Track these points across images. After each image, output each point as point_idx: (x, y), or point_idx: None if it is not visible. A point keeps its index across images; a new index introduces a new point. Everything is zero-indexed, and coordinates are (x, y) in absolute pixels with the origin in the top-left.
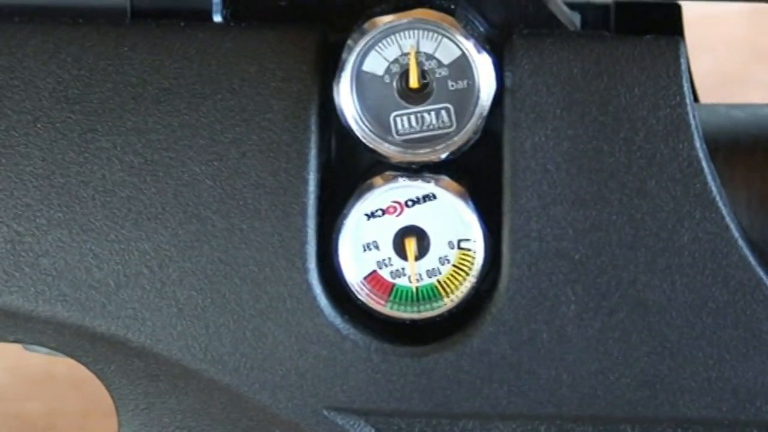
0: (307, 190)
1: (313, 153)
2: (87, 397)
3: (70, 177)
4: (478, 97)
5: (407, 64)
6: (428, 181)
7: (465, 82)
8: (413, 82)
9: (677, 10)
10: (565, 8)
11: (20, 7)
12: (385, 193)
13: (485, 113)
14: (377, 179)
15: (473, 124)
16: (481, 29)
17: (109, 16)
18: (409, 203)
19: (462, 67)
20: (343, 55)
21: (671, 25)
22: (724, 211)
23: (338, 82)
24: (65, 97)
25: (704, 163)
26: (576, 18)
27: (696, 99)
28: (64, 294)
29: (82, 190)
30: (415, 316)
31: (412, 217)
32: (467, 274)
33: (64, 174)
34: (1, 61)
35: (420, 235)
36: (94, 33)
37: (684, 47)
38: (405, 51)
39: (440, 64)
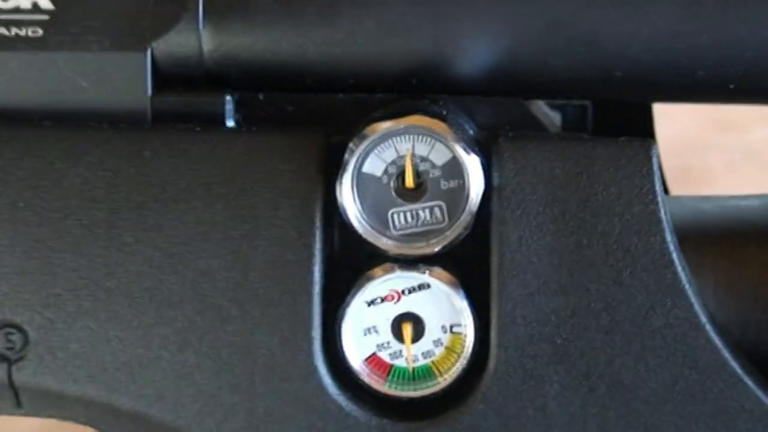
0: (313, 280)
1: (318, 247)
2: None
3: (96, 269)
4: (468, 196)
5: (403, 166)
6: (423, 272)
7: (456, 181)
8: (409, 182)
9: (648, 110)
10: (546, 109)
11: (49, 112)
12: (383, 283)
13: (475, 210)
14: (377, 270)
15: (464, 220)
16: (471, 132)
17: (131, 121)
18: (406, 291)
19: (453, 168)
20: (345, 157)
21: (643, 124)
22: (693, 298)
23: (341, 183)
24: (92, 196)
25: (674, 255)
26: (556, 117)
27: (666, 191)
28: (93, 375)
29: (108, 281)
30: (412, 394)
31: (408, 304)
32: (459, 356)
33: (91, 266)
34: (33, 163)
35: (416, 320)
36: (117, 137)
37: (655, 148)
38: (401, 154)
39: (433, 165)
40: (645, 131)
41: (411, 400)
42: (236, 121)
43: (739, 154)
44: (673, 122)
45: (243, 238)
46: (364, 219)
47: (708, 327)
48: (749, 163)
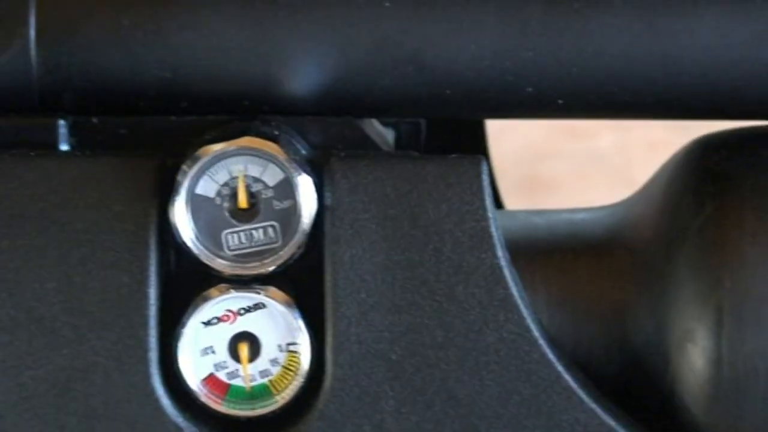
0: (148, 302)
1: (152, 269)
2: None
3: None
4: (300, 215)
5: (236, 187)
6: (258, 292)
7: (289, 201)
8: (242, 202)
9: (481, 127)
10: (379, 127)
11: None
12: (219, 303)
13: (308, 229)
14: (212, 291)
15: (297, 239)
16: (303, 152)
17: None
18: (242, 311)
19: (286, 188)
20: (178, 179)
21: (476, 140)
22: (525, 312)
23: (173, 204)
24: None
25: (506, 270)
26: (390, 134)
27: (500, 205)
28: None
29: None
30: (250, 413)
31: (244, 323)
32: (296, 374)
33: None
34: None
35: (252, 339)
36: None
37: (486, 164)
38: (234, 175)
39: (266, 185)
40: (478, 147)
41: (249, 420)
42: (71, 146)
43: (588, 161)
44: (521, 131)
45: (78, 262)
46: (198, 240)
47: (541, 341)
48: (598, 169)
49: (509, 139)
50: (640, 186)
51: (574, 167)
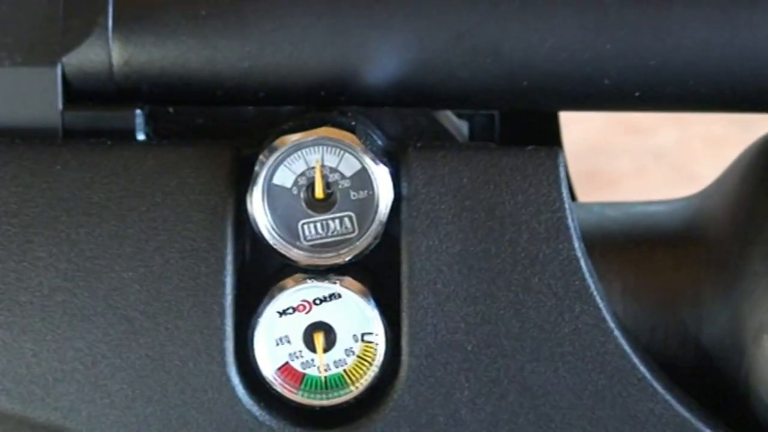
0: (224, 291)
1: (229, 258)
2: None
3: (10, 283)
4: (377, 206)
5: (313, 177)
6: (334, 282)
7: (366, 192)
8: (319, 193)
9: (555, 118)
10: (454, 119)
11: None
12: (295, 293)
13: (384, 220)
14: (288, 281)
15: (374, 230)
16: (380, 143)
17: (42, 136)
18: (317, 301)
19: (363, 178)
20: (255, 169)
21: (550, 132)
22: (601, 303)
23: (251, 194)
24: (4, 211)
25: (582, 261)
26: (464, 126)
27: (574, 198)
28: (7, 389)
29: (22, 295)
30: (324, 403)
31: (320, 313)
32: (371, 364)
33: (5, 281)
34: None
35: (327, 329)
36: (29, 152)
37: (562, 156)
38: (311, 165)
39: (343, 176)
40: (552, 139)
41: (323, 409)
42: (147, 135)
43: (647, 156)
44: (580, 126)
45: (155, 251)
46: (274, 230)
47: (616, 332)
48: (657, 165)
49: (568, 134)
50: (715, 179)
51: (633, 163)
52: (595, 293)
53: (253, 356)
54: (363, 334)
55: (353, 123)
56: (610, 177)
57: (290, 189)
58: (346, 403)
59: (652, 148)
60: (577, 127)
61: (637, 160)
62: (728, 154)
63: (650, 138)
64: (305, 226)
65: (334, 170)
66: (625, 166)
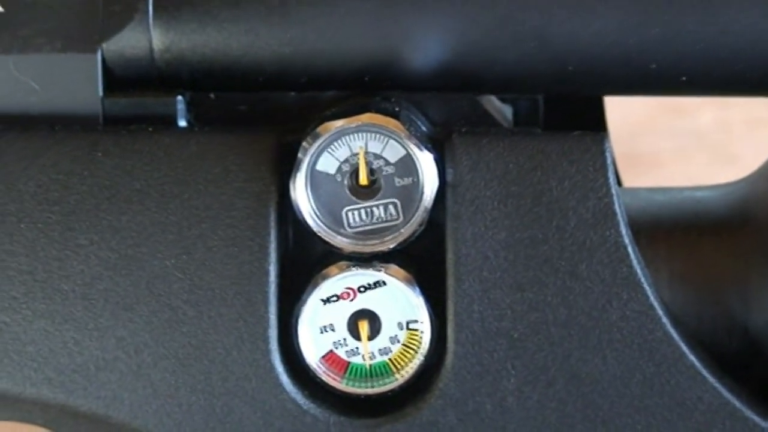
0: (268, 279)
1: (272, 245)
2: None
3: (52, 272)
4: (422, 192)
5: (357, 164)
6: (378, 270)
7: (410, 178)
8: (363, 179)
9: (600, 104)
10: (498, 104)
11: (1, 115)
12: (339, 281)
13: (429, 207)
14: (332, 269)
15: (419, 216)
16: (424, 129)
17: (83, 123)
18: (362, 289)
19: (407, 164)
20: (299, 156)
21: (595, 116)
22: (649, 290)
23: (294, 181)
24: (45, 198)
25: (629, 248)
26: (508, 111)
27: (619, 183)
28: (49, 378)
29: (63, 283)
30: (369, 391)
31: (364, 301)
32: (416, 352)
33: (47, 269)
34: None
35: (372, 317)
36: (69, 139)
37: (608, 141)
38: (355, 152)
39: (387, 162)
40: (597, 124)
41: (368, 398)
42: (188, 122)
43: (688, 138)
44: (620, 108)
45: (197, 239)
46: (318, 217)
47: (664, 319)
48: (697, 147)
49: (608, 117)
50: (762, 163)
51: (674, 144)
52: (642, 280)
53: (297, 344)
54: (408, 322)
55: (397, 109)
56: (650, 159)
57: (334, 175)
58: (391, 391)
59: (692, 129)
60: (617, 110)
61: (677, 142)
62: None
63: (691, 119)
64: (349, 213)
65: (378, 156)
66: (665, 148)
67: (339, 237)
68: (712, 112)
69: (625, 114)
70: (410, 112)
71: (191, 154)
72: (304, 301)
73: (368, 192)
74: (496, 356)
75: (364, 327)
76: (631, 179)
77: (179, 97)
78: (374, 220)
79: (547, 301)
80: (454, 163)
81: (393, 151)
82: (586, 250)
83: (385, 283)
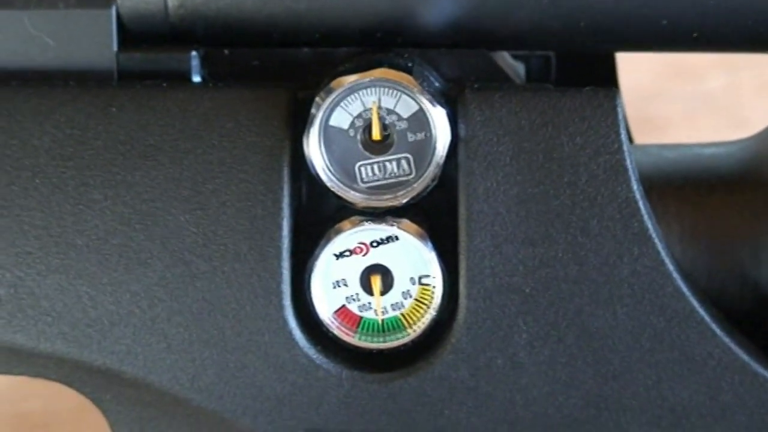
0: (281, 234)
1: (286, 201)
2: (83, 396)
3: (66, 227)
4: (434, 148)
5: (370, 119)
6: (391, 224)
7: (423, 133)
8: (376, 134)
9: (612, 60)
10: (511, 60)
11: (15, 71)
12: (352, 235)
13: (442, 162)
14: (345, 223)
15: (431, 171)
16: (437, 84)
17: (98, 78)
18: (374, 244)
19: (420, 120)
20: (312, 111)
21: (607, 73)
22: (659, 246)
23: (307, 136)
24: (60, 154)
25: (640, 204)
26: (520, 68)
27: (631, 140)
28: (63, 332)
29: (78, 238)
30: (382, 346)
31: (377, 256)
32: (428, 307)
33: (61, 224)
34: (0, 122)
35: (384, 272)
36: (84, 94)
37: (620, 98)
38: (368, 107)
39: (400, 117)
40: (609, 80)
41: (381, 352)
42: (202, 77)
43: (697, 101)
44: (629, 71)
45: (211, 194)
46: (331, 172)
47: (675, 275)
48: (707, 110)
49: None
50: None
51: (683, 108)
52: (653, 235)
53: (310, 299)
54: (420, 277)
55: (410, 64)
56: (659, 122)
57: (347, 131)
58: (404, 346)
59: (701, 93)
60: (626, 73)
61: (686, 105)
62: None
63: (700, 83)
64: (362, 168)
65: (391, 112)
66: (674, 111)
67: (352, 192)
68: (722, 76)
69: (635, 78)
70: (423, 67)
71: (205, 110)
72: (317, 256)
73: (381, 147)
74: (507, 311)
75: (376, 282)
76: (641, 142)
77: (193, 53)
78: (387, 175)
79: (558, 257)
80: (466, 118)
81: (406, 107)
82: (597, 206)
83: (397, 238)
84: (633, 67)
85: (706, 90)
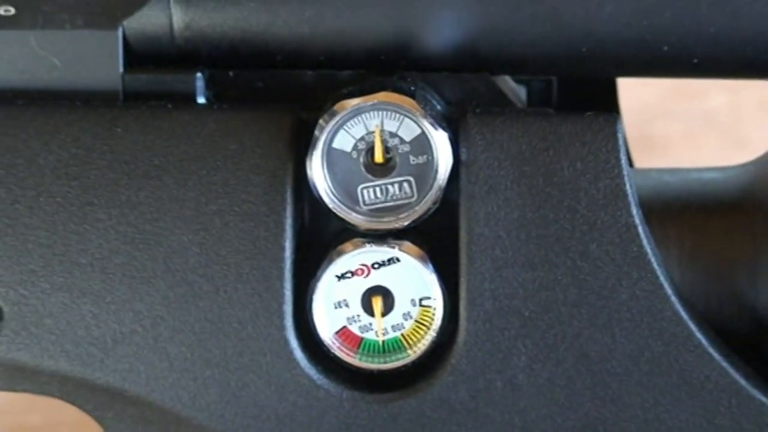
0: (284, 255)
1: (288, 222)
2: None
3: (70, 246)
4: (436, 171)
5: (373, 142)
6: (392, 247)
7: (425, 157)
8: (378, 157)
9: (613, 84)
10: (512, 84)
11: (22, 91)
12: (353, 257)
13: (443, 185)
14: (347, 245)
15: (433, 195)
16: (439, 108)
17: (103, 99)
18: (376, 265)
19: (422, 143)
20: (315, 134)
21: (608, 98)
22: (658, 270)
23: (311, 158)
24: (65, 173)
25: (640, 228)
26: (522, 91)
27: (631, 164)
28: (67, 350)
29: (81, 257)
30: (382, 366)
31: (378, 278)
32: (428, 329)
33: (65, 243)
34: (6, 141)
35: (385, 293)
36: (89, 114)
37: (620, 123)
38: (370, 130)
39: (402, 141)
40: (610, 104)
41: (381, 373)
42: (207, 99)
43: (698, 121)
44: (630, 90)
45: (215, 214)
46: (334, 194)
47: (673, 299)
48: (708, 129)
49: (620, 100)
50: None
51: (684, 127)
52: (652, 260)
53: (312, 320)
54: (421, 299)
55: (413, 88)
56: (660, 141)
57: (350, 153)
58: (404, 367)
59: (703, 112)
60: (628, 93)
61: (688, 125)
62: None
63: (701, 102)
64: (364, 191)
65: (393, 135)
66: (674, 130)
67: (354, 214)
68: (723, 95)
69: (636, 97)
70: (426, 91)
71: (209, 131)
72: (319, 277)
73: (383, 170)
74: (507, 334)
75: (377, 303)
76: (642, 162)
77: (198, 75)
78: (389, 198)
79: (557, 280)
80: (468, 142)
81: (408, 130)
82: (597, 230)
83: (398, 260)
84: (634, 86)
85: (706, 109)
